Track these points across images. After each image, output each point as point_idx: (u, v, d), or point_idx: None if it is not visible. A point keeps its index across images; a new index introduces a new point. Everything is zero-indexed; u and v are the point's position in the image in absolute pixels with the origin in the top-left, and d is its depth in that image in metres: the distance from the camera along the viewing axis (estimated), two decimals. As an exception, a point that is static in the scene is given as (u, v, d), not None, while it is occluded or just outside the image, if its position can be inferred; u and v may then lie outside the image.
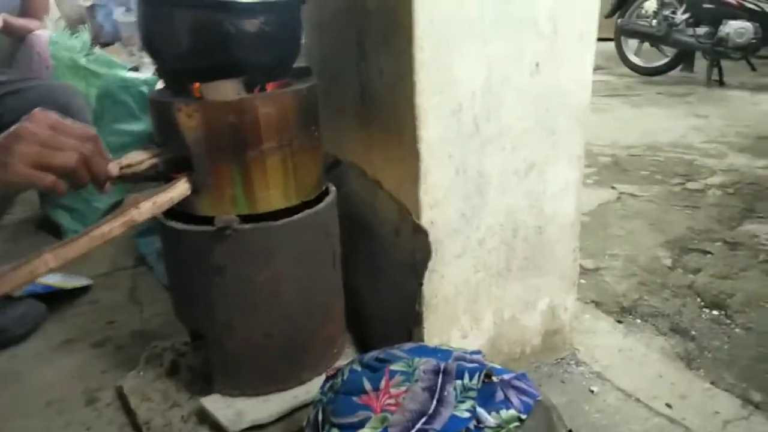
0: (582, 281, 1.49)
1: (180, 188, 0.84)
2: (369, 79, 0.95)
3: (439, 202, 0.90)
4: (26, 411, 1.05)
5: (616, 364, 1.16)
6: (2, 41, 2.09)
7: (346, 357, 1.03)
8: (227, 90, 0.79)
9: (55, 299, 1.33)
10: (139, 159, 0.83)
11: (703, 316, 1.34)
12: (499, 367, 0.75)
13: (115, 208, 1.70)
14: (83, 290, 1.40)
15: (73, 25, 3.72)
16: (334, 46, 1.04)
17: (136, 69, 1.68)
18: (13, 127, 0.71)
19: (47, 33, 1.98)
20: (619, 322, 1.33)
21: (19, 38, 1.89)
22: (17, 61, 2.10)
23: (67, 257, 0.77)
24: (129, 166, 0.83)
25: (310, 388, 0.93)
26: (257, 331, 0.90)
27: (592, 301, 1.40)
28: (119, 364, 1.15)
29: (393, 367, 0.70)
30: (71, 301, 1.36)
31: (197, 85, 0.83)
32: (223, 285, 0.86)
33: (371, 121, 0.98)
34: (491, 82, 0.88)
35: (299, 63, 0.95)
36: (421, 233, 0.90)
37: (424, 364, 0.69)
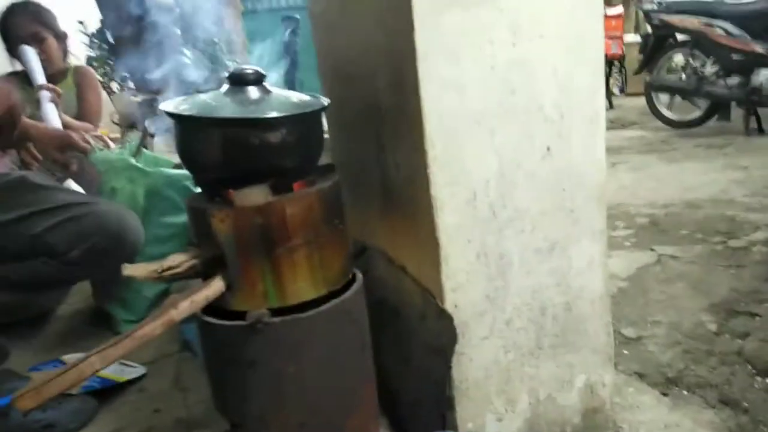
0: (624, 352, 1.46)
1: (215, 286, 0.90)
2: (388, 172, 1.01)
3: (462, 285, 0.93)
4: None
5: (663, 442, 1.11)
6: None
7: (381, 443, 1.03)
8: (255, 195, 0.86)
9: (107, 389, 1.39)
10: (180, 261, 0.90)
11: (756, 385, 1.28)
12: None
13: (163, 297, 1.79)
14: (136, 379, 1.46)
15: (125, 120, 4.04)
16: (357, 142, 1.11)
17: (180, 166, 1.81)
18: None
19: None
20: (665, 394, 1.28)
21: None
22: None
23: (113, 358, 0.83)
24: (170, 268, 0.90)
25: (346, 479, 0.94)
26: (290, 422, 0.92)
27: (636, 373, 1.36)
28: (163, 454, 1.19)
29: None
30: (120, 392, 1.41)
31: (229, 191, 0.90)
32: (256, 378, 0.90)
33: (393, 210, 1.03)
34: (503, 169, 0.92)
35: (325, 159, 1.02)
36: (445, 317, 0.92)
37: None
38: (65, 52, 2.32)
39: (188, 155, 0.90)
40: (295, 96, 0.95)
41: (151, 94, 4.80)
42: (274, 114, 0.85)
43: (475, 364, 0.96)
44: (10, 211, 1.40)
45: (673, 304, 1.68)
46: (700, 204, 2.58)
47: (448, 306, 0.92)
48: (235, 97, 0.89)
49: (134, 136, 1.75)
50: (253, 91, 0.91)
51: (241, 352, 0.89)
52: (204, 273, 0.92)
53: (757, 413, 1.18)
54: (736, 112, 4.53)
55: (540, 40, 0.91)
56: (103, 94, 2.48)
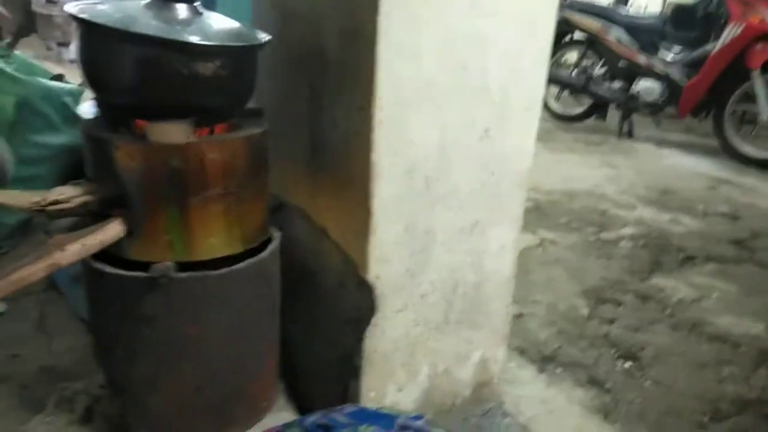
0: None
1: (112, 230, 0.78)
2: (321, 128, 0.93)
3: (387, 257, 0.90)
4: None
5: (540, 416, 1.20)
6: None
7: (278, 409, 0.99)
8: (175, 132, 0.75)
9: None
10: (69, 195, 0.77)
11: (617, 368, 1.42)
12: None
13: (25, 226, 1.56)
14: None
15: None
16: (286, 90, 1.02)
17: (60, 78, 1.55)
18: None
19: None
20: (541, 371, 1.38)
21: None
22: None
23: (-23, 303, 0.69)
24: (56, 202, 0.76)
25: (239, 445, 0.89)
26: (185, 386, 0.84)
27: (517, 348, 1.45)
28: (23, 404, 1.04)
29: (336, 436, 0.68)
30: (-32, 330, 1.22)
31: (139, 122, 0.78)
32: (151, 337, 0.81)
33: (321, 170, 0.96)
34: (444, 145, 0.89)
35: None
36: (366, 288, 0.89)
37: (369, 434, 0.68)
38: None
39: (95, 72, 0.76)
40: (230, 23, 0.83)
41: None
42: (209, 42, 0.74)
43: (386, 336, 0.94)
44: None
45: (551, 286, 1.80)
46: (578, 194, 2.79)
47: (371, 277, 0.89)
48: (159, 12, 0.76)
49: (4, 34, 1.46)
50: (182, 10, 0.78)
51: (138, 307, 0.79)
52: (98, 213, 0.80)
53: (617, 393, 1.31)
54: (611, 114, 4.95)
55: (495, 17, 0.88)
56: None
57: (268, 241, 0.92)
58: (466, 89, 0.88)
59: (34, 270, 0.71)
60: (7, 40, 1.45)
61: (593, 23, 4.51)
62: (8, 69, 1.39)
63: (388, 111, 0.81)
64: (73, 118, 1.50)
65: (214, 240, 0.82)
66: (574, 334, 1.55)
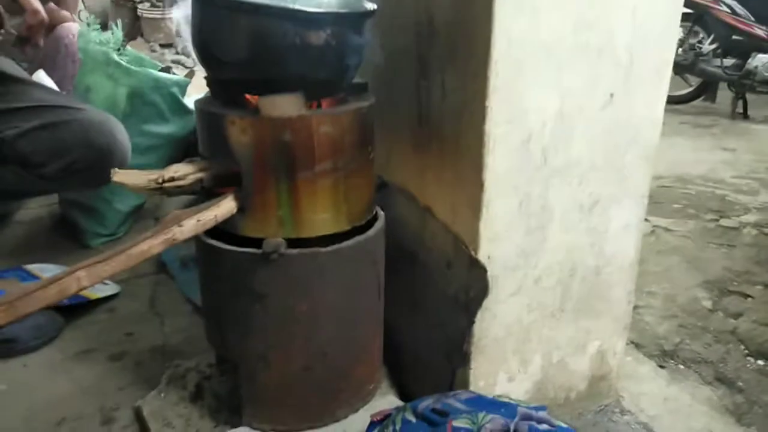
0: (620, 319, 1.43)
1: (225, 206, 0.78)
2: (429, 99, 0.89)
3: (500, 235, 0.84)
4: (36, 428, 0.99)
5: (663, 415, 1.09)
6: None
7: (382, 393, 0.96)
8: (287, 105, 0.73)
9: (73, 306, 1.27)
10: (184, 172, 0.78)
11: (749, 366, 1.27)
12: (565, 426, 0.68)
13: (136, 212, 1.64)
14: (107, 298, 1.33)
15: (97, 17, 3.69)
16: (392, 61, 0.98)
17: (167, 70, 1.62)
18: None
19: (76, 26, 1.94)
20: (662, 367, 1.26)
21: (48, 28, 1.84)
22: (44, 53, 2.05)
23: (102, 275, 0.71)
24: (172, 179, 0.77)
25: (346, 427, 0.87)
26: (295, 364, 0.83)
27: (633, 342, 1.33)
28: (137, 381, 1.09)
29: (456, 423, 0.63)
30: (89, 309, 1.29)
31: (251, 97, 0.77)
32: (263, 313, 0.80)
33: (427, 144, 0.92)
34: (563, 112, 0.82)
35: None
36: (477, 268, 0.84)
37: (491, 422, 0.63)
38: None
39: (207, 46, 0.75)
40: (337, -5, 0.80)
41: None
42: (319, 9, 0.72)
43: (498, 321, 0.88)
44: None
45: (667, 277, 1.66)
46: (692, 180, 2.57)
47: (482, 256, 0.83)
48: (269, -16, 0.75)
49: (117, 29, 1.54)
50: (291, -20, 0.76)
51: (251, 284, 0.79)
52: (212, 190, 0.80)
53: (751, 394, 1.17)
54: (722, 95, 4.52)
55: (625, -31, 0.79)
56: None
57: (374, 219, 0.89)
58: (589, 50, 0.80)
59: (154, 244, 0.72)
60: (118, 30, 1.51)
61: (701, -5, 4.13)
62: (122, 61, 1.46)
63: (504, 76, 0.75)
64: (180, 108, 1.57)
65: (323, 217, 0.80)
66: (696, 328, 1.41)
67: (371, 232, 0.85)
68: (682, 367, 1.26)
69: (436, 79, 0.86)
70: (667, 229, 1.98)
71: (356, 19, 0.76)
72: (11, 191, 1.35)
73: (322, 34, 0.71)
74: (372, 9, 0.77)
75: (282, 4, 0.70)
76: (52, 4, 1.76)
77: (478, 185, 0.80)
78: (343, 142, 0.78)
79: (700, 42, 4.30)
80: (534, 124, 0.81)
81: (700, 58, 4.22)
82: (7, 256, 1.51)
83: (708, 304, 1.52)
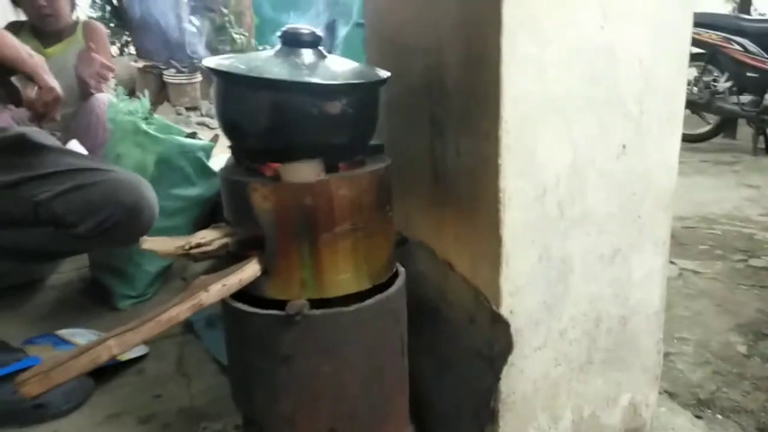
0: (652, 368, 1.39)
1: (250, 270, 0.80)
2: (444, 158, 0.91)
3: (521, 289, 0.84)
4: (67, 496, 0.99)
5: (703, 470, 1.05)
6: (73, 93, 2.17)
7: (410, 453, 0.95)
8: (306, 171, 0.76)
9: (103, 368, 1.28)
10: (210, 238, 0.80)
11: (793, 414, 1.22)
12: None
13: (165, 273, 1.68)
14: (136, 359, 1.35)
15: (125, 85, 3.89)
16: (406, 122, 1.02)
17: (193, 135, 1.69)
18: None
19: (107, 96, 2.05)
20: (698, 417, 1.21)
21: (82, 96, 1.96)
22: (75, 123, 2.16)
23: (132, 343, 0.73)
24: (199, 245, 0.80)
25: (375, 490, 0.85)
26: (321, 425, 0.83)
27: (666, 391, 1.29)
28: (165, 445, 1.09)
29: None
30: (118, 371, 1.31)
31: (272, 165, 0.80)
32: (288, 374, 0.81)
33: (444, 201, 0.94)
34: (576, 165, 0.84)
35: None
36: (500, 323, 0.84)
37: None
38: (73, 6, 2.19)
39: (231, 120, 0.80)
40: (353, 64, 0.85)
41: (153, 61, 4.64)
42: (335, 81, 0.76)
43: (525, 376, 0.87)
44: (8, 173, 1.26)
45: (698, 322, 1.62)
46: (716, 219, 2.53)
47: (504, 311, 0.84)
48: (288, 58, 0.79)
49: (144, 98, 1.63)
50: (307, 54, 0.81)
51: (275, 345, 0.80)
52: (236, 254, 0.83)
53: (798, 445, 1.12)
54: (742, 131, 4.50)
55: (629, 25, 0.82)
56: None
57: (394, 276, 0.90)
58: (598, 103, 0.83)
59: (182, 310, 0.74)
60: (145, 99, 1.60)
61: (712, 36, 4.18)
62: (150, 129, 1.53)
63: (515, 134, 0.77)
64: (206, 171, 1.62)
65: (344, 277, 0.81)
66: (732, 375, 1.36)
67: (392, 289, 0.86)
68: (720, 417, 1.22)
69: (449, 138, 0.89)
70: (694, 272, 1.94)
71: (370, 88, 0.79)
72: (45, 252, 1.40)
73: (337, 104, 0.75)
74: (385, 77, 0.81)
75: (299, 78, 0.74)
76: (94, 55, 1.86)
77: (496, 240, 0.81)
78: (361, 203, 0.81)
79: (714, 80, 4.32)
80: (548, 177, 0.82)
81: (716, 96, 4.23)
82: (39, 320, 1.55)
83: (743, 349, 1.47)
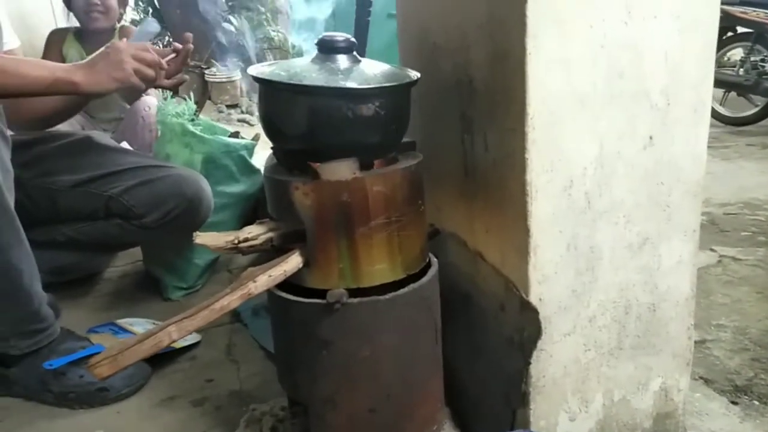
0: (688, 355, 1.40)
1: (293, 262, 0.86)
2: (473, 153, 0.96)
3: (549, 277, 0.88)
4: (131, 470, 1.09)
5: (737, 455, 1.06)
6: (115, 102, 2.28)
7: (446, 434, 1.00)
8: (342, 170, 0.82)
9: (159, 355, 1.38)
10: (256, 233, 0.87)
11: (834, 401, 1.21)
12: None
13: (213, 265, 1.77)
14: (189, 346, 1.45)
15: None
16: (437, 119, 1.06)
17: (236, 135, 1.78)
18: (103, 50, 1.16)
19: (153, 100, 2.16)
20: (734, 403, 1.22)
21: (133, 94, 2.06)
22: (123, 126, 2.29)
23: (190, 329, 0.80)
24: (246, 240, 0.87)
25: (412, 467, 0.91)
26: (360, 405, 0.89)
27: (701, 378, 1.30)
28: (218, 425, 1.17)
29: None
30: (173, 358, 1.41)
31: (312, 164, 0.86)
32: (329, 359, 0.87)
33: (474, 194, 0.98)
34: (603, 157, 0.86)
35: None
36: (529, 310, 0.88)
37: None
38: (122, 13, 2.30)
39: (273, 123, 0.86)
40: (385, 67, 0.90)
41: (195, 60, 4.79)
42: (368, 85, 0.81)
43: (554, 360, 0.91)
44: (81, 172, 1.41)
45: (737, 309, 1.60)
46: (761, 205, 2.47)
47: (533, 299, 0.87)
48: (324, 65, 0.85)
49: (189, 100, 1.72)
50: (342, 60, 0.86)
51: (316, 332, 0.86)
52: (280, 247, 0.89)
53: (837, 431, 1.12)
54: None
55: (654, 20, 0.84)
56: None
57: (427, 266, 0.95)
58: (623, 97, 0.85)
59: (233, 299, 0.81)
60: (191, 101, 1.69)
61: (759, 14, 4.03)
62: (196, 131, 1.62)
63: (540, 130, 0.81)
64: (249, 168, 1.71)
65: (380, 267, 0.87)
66: (771, 361, 1.36)
67: (425, 278, 0.91)
68: (756, 403, 1.22)
69: (478, 134, 0.93)
70: (735, 259, 1.91)
71: (401, 89, 0.84)
72: (112, 244, 1.55)
73: (371, 106, 0.80)
74: (415, 78, 0.86)
75: (334, 84, 0.79)
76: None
77: (524, 231, 0.85)
78: (395, 198, 0.86)
79: (762, 61, 4.17)
80: (574, 170, 0.85)
81: (764, 76, 4.08)
82: (99, 310, 1.67)
83: (784, 336, 1.46)
